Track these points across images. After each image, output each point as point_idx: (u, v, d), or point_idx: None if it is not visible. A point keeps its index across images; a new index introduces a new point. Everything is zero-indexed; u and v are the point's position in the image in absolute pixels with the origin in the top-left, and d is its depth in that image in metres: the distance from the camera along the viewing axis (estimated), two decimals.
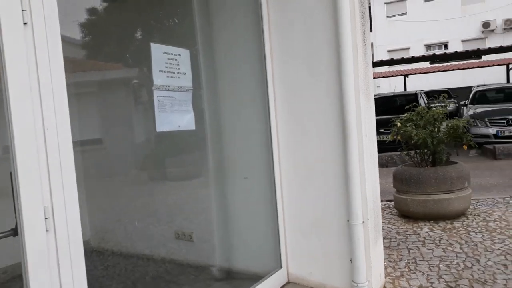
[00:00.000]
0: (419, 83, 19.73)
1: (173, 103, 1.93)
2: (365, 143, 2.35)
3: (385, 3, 25.04)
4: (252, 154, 2.71)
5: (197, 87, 2.19)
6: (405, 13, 25.31)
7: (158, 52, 1.86)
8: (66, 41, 1.46)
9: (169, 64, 1.91)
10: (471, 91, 14.16)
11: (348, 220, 2.34)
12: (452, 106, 15.79)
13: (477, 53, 10.56)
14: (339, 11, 2.29)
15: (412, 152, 4.08)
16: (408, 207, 3.91)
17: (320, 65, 2.39)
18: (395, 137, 4.01)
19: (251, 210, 2.82)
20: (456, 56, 11.45)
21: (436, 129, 3.78)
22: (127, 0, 2.44)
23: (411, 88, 17.98)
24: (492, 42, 21.99)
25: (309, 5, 2.40)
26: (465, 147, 3.91)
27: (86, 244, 2.74)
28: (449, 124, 3.76)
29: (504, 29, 23.40)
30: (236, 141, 2.73)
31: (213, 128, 2.65)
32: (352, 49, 2.29)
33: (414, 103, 4.19)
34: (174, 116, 1.94)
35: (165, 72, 1.89)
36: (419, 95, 10.05)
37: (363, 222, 2.32)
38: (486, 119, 8.33)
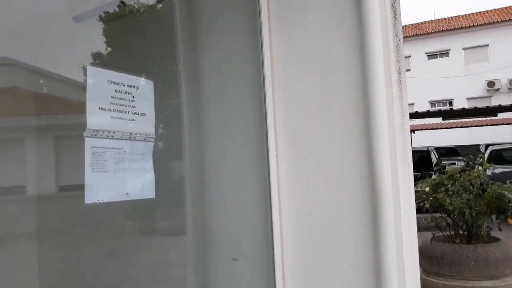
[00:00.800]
0: (425, 139, 19.20)
1: (119, 158, 1.25)
2: (404, 224, 1.64)
3: None
4: (244, 230, 1.99)
5: (165, 133, 1.54)
6: (409, 70, 25.41)
7: (99, 79, 1.20)
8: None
9: (117, 99, 1.25)
10: (479, 149, 13.53)
11: None
12: (461, 164, 15.16)
13: (496, 110, 10.04)
14: (368, 43, 1.67)
15: (442, 222, 3.34)
16: None
17: (339, 114, 1.73)
18: (421, 204, 3.29)
19: None
20: (474, 112, 10.93)
21: (474, 197, 3.06)
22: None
23: (416, 144, 17.42)
24: (498, 100, 21.81)
25: (325, 34, 1.79)
26: (510, 221, 3.17)
27: None
28: (492, 192, 3.05)
29: (509, 88, 23.33)
30: (224, 210, 2.01)
31: (192, 191, 1.95)
32: (386, 93, 1.65)
33: (444, 164, 3.52)
34: (120, 177, 1.25)
35: (109, 110, 1.22)
36: (431, 152, 9.41)
37: None
38: (508, 182, 7.60)
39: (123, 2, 1.87)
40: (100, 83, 1.20)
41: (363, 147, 1.66)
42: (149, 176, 1.36)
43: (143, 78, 1.34)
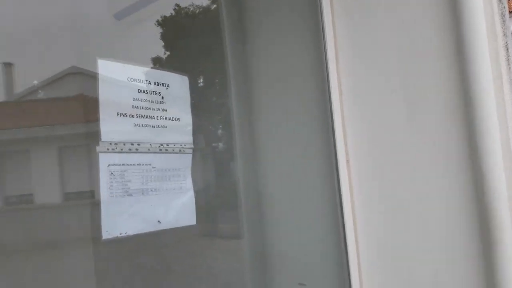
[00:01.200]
0: None
1: (147, 177, 0.97)
2: None
3: None
4: (312, 250, 1.65)
5: (207, 142, 1.25)
6: None
7: (115, 76, 0.93)
8: None
9: (141, 101, 0.97)
10: None
11: None
12: None
13: None
14: (465, 10, 1.27)
15: None
16: None
17: (429, 108, 1.34)
18: None
19: None
20: None
21: None
22: None
23: None
24: None
25: (403, 3, 1.41)
26: None
27: None
28: None
29: None
30: (287, 229, 1.69)
31: (247, 210, 1.65)
32: (492, 77, 1.23)
33: None
34: (149, 202, 0.97)
35: (130, 116, 0.95)
36: None
37: None
38: None
39: None
40: (117, 81, 0.93)
41: (464, 150, 1.25)
42: (188, 197, 1.07)
43: (175, 73, 1.06)
